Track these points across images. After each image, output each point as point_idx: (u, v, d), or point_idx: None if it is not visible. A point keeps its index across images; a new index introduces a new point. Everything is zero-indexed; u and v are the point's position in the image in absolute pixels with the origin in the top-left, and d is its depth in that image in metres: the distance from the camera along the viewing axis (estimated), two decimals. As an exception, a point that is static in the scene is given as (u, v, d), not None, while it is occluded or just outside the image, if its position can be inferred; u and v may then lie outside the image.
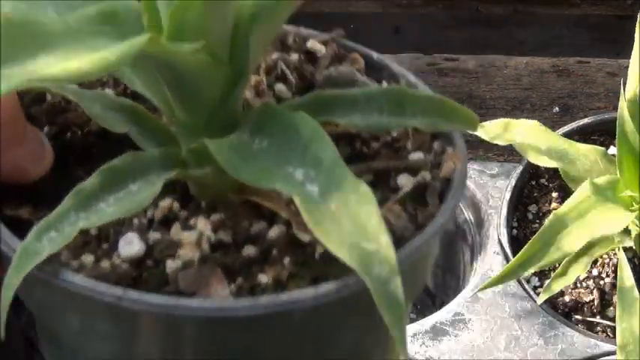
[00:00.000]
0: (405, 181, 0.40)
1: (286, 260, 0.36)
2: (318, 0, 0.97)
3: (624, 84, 0.83)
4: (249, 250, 0.37)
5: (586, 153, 0.88)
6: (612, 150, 0.91)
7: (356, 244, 0.32)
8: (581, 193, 0.79)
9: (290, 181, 0.34)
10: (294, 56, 0.46)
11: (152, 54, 0.34)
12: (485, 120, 0.88)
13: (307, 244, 0.36)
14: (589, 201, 0.79)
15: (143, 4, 0.36)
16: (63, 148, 0.41)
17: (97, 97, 0.41)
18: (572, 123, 0.98)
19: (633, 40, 0.82)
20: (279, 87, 0.45)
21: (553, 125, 0.92)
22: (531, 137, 0.87)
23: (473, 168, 1.02)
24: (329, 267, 0.35)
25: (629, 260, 0.85)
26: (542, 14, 1.29)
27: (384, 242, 0.32)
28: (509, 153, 1.09)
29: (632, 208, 0.82)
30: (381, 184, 0.40)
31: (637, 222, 0.83)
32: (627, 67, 0.84)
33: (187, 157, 0.38)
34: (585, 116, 1.01)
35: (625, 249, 0.85)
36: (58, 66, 0.31)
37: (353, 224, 0.32)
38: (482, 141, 0.87)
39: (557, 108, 1.18)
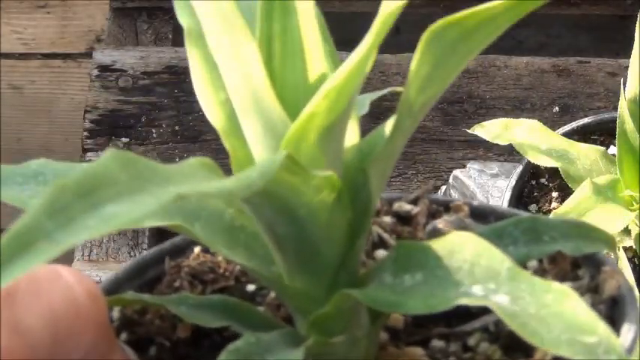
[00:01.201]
0: None
1: None
2: (318, 0, 0.96)
3: (624, 84, 0.83)
4: None
5: (586, 153, 0.88)
6: (612, 150, 0.91)
7: (574, 340, 0.30)
8: (582, 192, 0.79)
9: (471, 296, 0.32)
10: (387, 219, 0.44)
11: (273, 192, 0.33)
12: (485, 120, 0.88)
13: None
14: (589, 201, 0.79)
15: (230, 146, 0.35)
16: None
17: (180, 300, 0.39)
18: (572, 123, 0.98)
19: (633, 40, 0.82)
20: (380, 253, 0.42)
21: (553, 125, 0.92)
22: (531, 137, 0.87)
23: (473, 168, 1.02)
24: None
25: (629, 260, 0.85)
26: (542, 14, 1.29)
27: (602, 332, 0.30)
28: (509, 153, 1.09)
29: (632, 207, 0.82)
30: None
31: (637, 222, 0.83)
32: (627, 67, 0.84)
33: (310, 329, 0.36)
34: (585, 116, 1.01)
35: (625, 249, 0.85)
36: (208, 185, 0.30)
37: (561, 321, 0.31)
38: (482, 141, 0.87)
39: (557, 108, 1.18)
